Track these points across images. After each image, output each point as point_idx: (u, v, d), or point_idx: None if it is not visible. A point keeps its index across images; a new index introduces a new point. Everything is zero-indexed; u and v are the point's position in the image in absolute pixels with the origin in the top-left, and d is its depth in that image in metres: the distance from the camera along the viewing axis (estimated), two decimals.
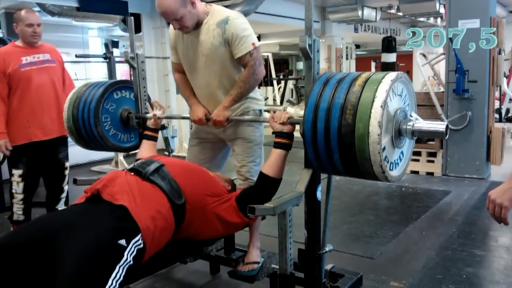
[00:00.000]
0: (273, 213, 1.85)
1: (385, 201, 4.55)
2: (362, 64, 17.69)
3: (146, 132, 2.49)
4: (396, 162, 1.80)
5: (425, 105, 5.32)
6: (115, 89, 2.66)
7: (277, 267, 2.19)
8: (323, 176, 2.05)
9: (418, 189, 4.82)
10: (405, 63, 17.16)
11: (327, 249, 2.10)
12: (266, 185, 2.03)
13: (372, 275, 2.77)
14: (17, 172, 3.00)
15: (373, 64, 15.20)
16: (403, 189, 4.87)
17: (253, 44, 2.20)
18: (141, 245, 1.68)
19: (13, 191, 3.04)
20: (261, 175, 2.04)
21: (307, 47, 1.84)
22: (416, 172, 5.49)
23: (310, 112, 1.71)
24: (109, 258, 1.57)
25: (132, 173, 1.92)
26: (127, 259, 1.60)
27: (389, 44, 10.42)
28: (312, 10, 1.86)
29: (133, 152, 2.92)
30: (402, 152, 1.85)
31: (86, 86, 2.67)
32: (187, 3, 2.13)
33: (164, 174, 1.94)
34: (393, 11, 10.39)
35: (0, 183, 4.45)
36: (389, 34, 11.72)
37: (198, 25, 2.23)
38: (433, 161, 5.43)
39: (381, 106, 1.55)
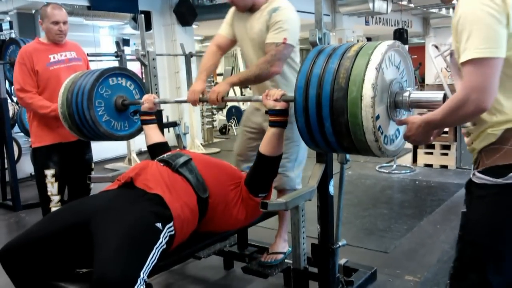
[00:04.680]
0: (286, 208, 1.85)
1: (399, 195, 4.51)
2: None
3: (143, 118, 2.42)
4: (391, 138, 1.71)
5: None
6: (111, 75, 2.60)
7: (291, 262, 2.19)
8: (336, 170, 2.05)
9: (432, 183, 4.78)
10: (417, 55, 16.97)
11: (340, 243, 2.10)
12: (264, 164, 2.02)
13: (386, 269, 2.75)
14: (49, 172, 2.88)
15: None
16: (417, 182, 4.83)
17: (284, 39, 2.16)
18: (173, 232, 1.76)
19: (49, 193, 2.88)
20: (258, 154, 2.02)
21: (317, 40, 1.84)
22: (430, 165, 5.44)
23: (302, 79, 1.63)
24: (148, 238, 1.66)
25: (162, 164, 1.99)
26: (161, 242, 1.69)
27: (401, 36, 10.30)
28: (322, 3, 1.85)
29: (145, 149, 2.93)
30: (398, 130, 1.76)
31: (82, 73, 2.64)
32: None
33: (191, 168, 1.99)
34: (404, 2, 10.27)
35: (16, 183, 4.51)
36: (400, 26, 11.59)
37: (253, 9, 2.27)
38: (447, 154, 5.37)
39: (376, 68, 1.49)
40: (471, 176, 1.41)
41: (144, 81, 2.85)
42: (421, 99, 1.66)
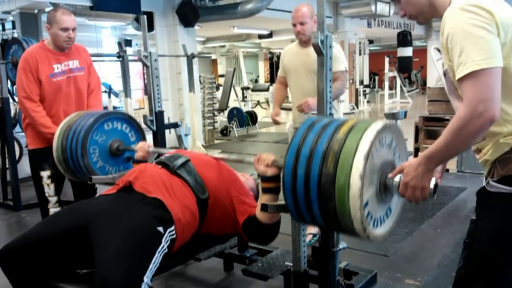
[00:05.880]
0: (287, 210, 1.84)
1: None
2: (375, 59, 17.54)
3: (134, 166, 2.34)
4: (382, 219, 1.63)
5: (439, 101, 5.24)
6: (106, 120, 2.56)
7: (291, 264, 2.18)
8: None
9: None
10: (419, 58, 16.99)
11: (341, 246, 2.09)
12: (260, 229, 1.91)
13: (386, 273, 2.75)
14: (45, 174, 2.87)
15: (386, 59, 15.07)
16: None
17: (345, 67, 3.05)
18: (174, 235, 1.75)
19: (46, 195, 2.88)
20: (254, 217, 1.91)
21: (320, 43, 1.83)
22: None
23: (291, 157, 1.57)
24: (150, 242, 1.65)
25: (160, 166, 1.98)
26: (163, 246, 1.68)
27: (404, 38, 10.31)
28: (324, 5, 1.85)
29: None
30: (389, 208, 1.67)
31: (78, 116, 2.58)
32: (313, 19, 2.94)
33: (190, 169, 1.98)
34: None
35: (17, 182, 4.51)
36: (403, 29, 11.60)
37: (309, 43, 2.82)
38: None
39: (364, 158, 1.41)
40: (484, 184, 1.39)
41: (146, 81, 2.84)
42: None
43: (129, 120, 2.68)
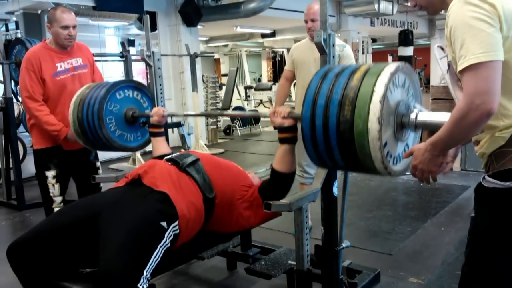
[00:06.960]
0: (289, 209, 1.84)
1: (403, 196, 4.50)
2: (378, 58, 17.48)
3: (151, 130, 2.48)
4: (400, 156, 1.71)
5: (443, 99, 5.24)
6: (117, 89, 2.61)
7: (294, 263, 2.18)
8: (340, 172, 2.04)
9: (436, 184, 4.76)
10: (422, 57, 16.94)
11: (344, 245, 2.09)
12: (278, 180, 2.01)
13: (390, 271, 2.75)
14: (50, 174, 2.87)
15: (390, 58, 15.04)
16: (422, 184, 4.81)
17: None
18: (177, 231, 1.77)
19: (51, 194, 2.88)
20: (272, 170, 2.02)
21: (322, 41, 1.83)
22: None
23: (307, 109, 1.63)
24: (153, 236, 1.68)
25: (170, 163, 2.02)
26: (166, 240, 1.71)
27: (406, 38, 10.26)
28: (327, 4, 1.85)
29: (149, 149, 2.92)
30: (407, 145, 1.74)
31: (89, 88, 2.62)
32: None
33: (199, 168, 2.02)
34: (409, 4, 10.23)
35: (21, 182, 4.52)
36: (406, 28, 11.56)
37: None
38: None
39: (380, 101, 1.46)
40: (481, 180, 1.39)
41: (149, 81, 2.85)
42: (428, 121, 1.64)
43: (138, 86, 2.74)
